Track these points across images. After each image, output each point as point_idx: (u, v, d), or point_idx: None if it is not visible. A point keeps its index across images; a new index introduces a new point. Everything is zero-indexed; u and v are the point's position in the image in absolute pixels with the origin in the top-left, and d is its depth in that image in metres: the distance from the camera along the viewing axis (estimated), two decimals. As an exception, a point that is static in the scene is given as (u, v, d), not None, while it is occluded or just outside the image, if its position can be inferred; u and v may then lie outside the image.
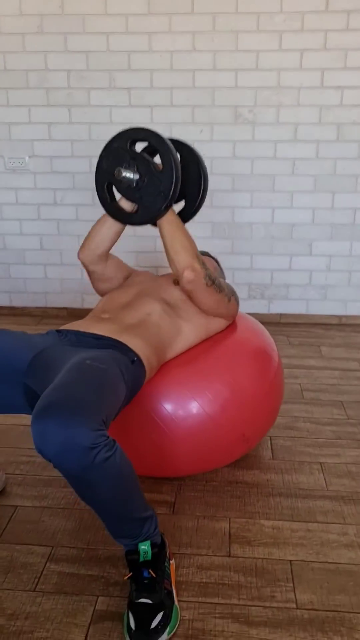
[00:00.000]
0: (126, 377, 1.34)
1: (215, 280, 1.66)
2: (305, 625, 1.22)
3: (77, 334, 1.50)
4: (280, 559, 1.42)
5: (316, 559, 1.42)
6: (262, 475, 1.77)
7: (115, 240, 1.77)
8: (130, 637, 1.16)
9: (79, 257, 1.79)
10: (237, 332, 1.83)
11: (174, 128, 2.98)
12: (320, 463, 1.84)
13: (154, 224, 1.68)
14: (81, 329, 1.52)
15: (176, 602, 1.25)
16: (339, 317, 3.23)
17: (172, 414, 1.55)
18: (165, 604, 1.21)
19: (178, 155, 1.61)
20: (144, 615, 1.18)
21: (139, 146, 1.65)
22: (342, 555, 1.43)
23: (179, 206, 1.77)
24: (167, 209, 1.60)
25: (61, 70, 2.95)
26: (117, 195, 1.68)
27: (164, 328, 1.61)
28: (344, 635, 1.20)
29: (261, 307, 3.24)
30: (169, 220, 1.62)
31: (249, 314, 2.73)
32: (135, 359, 1.43)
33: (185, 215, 1.81)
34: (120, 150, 1.61)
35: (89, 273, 1.83)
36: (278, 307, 3.25)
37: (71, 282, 3.31)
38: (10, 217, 3.22)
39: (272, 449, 1.92)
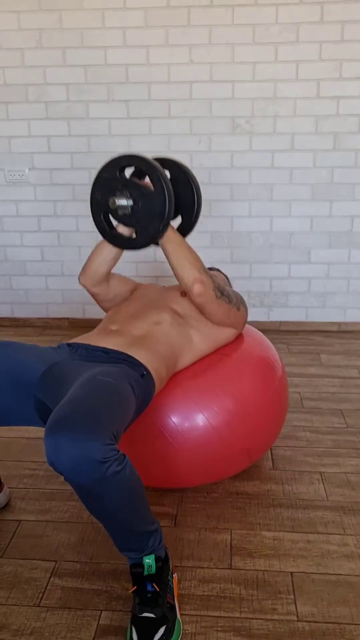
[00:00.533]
0: (136, 391, 1.36)
1: (223, 291, 1.69)
2: (307, 637, 1.24)
3: (88, 348, 1.53)
4: (281, 571, 1.43)
5: (317, 571, 1.43)
6: (262, 486, 1.78)
7: (115, 263, 1.79)
8: (133, 651, 1.18)
9: (80, 282, 1.82)
10: (243, 346, 1.84)
11: (172, 139, 3.01)
12: (320, 473, 1.86)
13: (157, 244, 1.70)
14: (91, 343, 1.55)
15: (179, 616, 1.27)
16: (339, 324, 3.25)
17: (178, 426, 1.57)
18: (168, 617, 1.23)
19: (167, 173, 1.64)
20: (146, 629, 1.20)
21: (128, 172, 1.67)
22: (342, 567, 1.44)
23: (176, 222, 1.79)
24: (165, 229, 1.62)
25: (60, 84, 2.98)
26: (114, 222, 1.70)
27: (174, 338, 1.63)
28: (344, 647, 1.22)
29: (261, 315, 3.26)
30: (170, 238, 1.64)
31: (249, 322, 2.74)
32: (144, 372, 1.45)
33: (184, 229, 1.83)
34: (110, 180, 1.63)
35: (92, 295, 1.86)
36: (278, 315, 3.27)
37: (72, 293, 3.34)
38: (11, 229, 3.25)
39: (272, 459, 1.94)
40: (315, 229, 3.10)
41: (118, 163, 1.63)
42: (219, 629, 1.27)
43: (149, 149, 3.01)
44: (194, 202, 1.77)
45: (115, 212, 1.64)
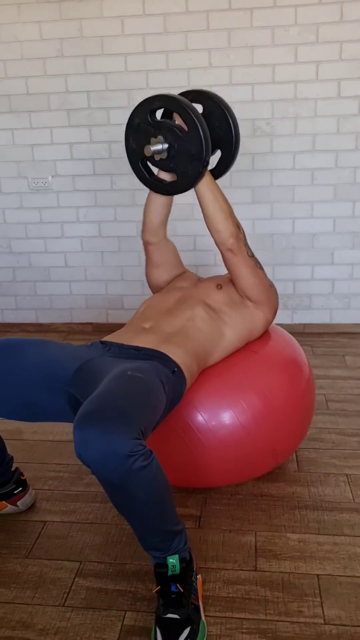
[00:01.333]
0: (167, 387, 1.37)
1: (254, 255, 1.71)
2: (333, 640, 1.22)
3: (120, 346, 1.55)
4: (307, 573, 1.41)
5: (344, 573, 1.41)
6: (287, 488, 1.77)
7: (168, 211, 1.81)
8: (157, 652, 1.17)
9: (142, 238, 1.85)
10: (272, 344, 1.83)
11: (193, 143, 3.01)
12: (347, 475, 1.83)
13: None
14: (124, 342, 1.57)
15: (203, 618, 1.26)
16: (364, 325, 3.20)
17: (207, 422, 1.57)
18: (192, 619, 1.22)
19: (200, 108, 1.59)
20: (171, 630, 1.19)
21: (159, 114, 1.64)
22: (370, 569, 1.42)
23: (215, 157, 1.74)
24: (205, 168, 1.59)
25: (81, 92, 3.02)
26: (155, 169, 1.69)
27: (207, 333, 1.63)
28: (372, 651, 1.19)
29: (284, 318, 3.24)
30: (208, 184, 1.62)
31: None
32: (175, 369, 1.46)
33: (224, 164, 1.78)
34: (142, 125, 1.60)
35: (148, 252, 1.87)
36: (301, 317, 3.24)
37: (96, 298, 3.36)
38: (35, 236, 3.29)
39: (297, 460, 1.91)
40: (338, 230, 3.07)
41: (148, 106, 1.59)
42: (244, 631, 1.25)
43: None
44: (231, 134, 1.71)
45: (152, 158, 1.61)
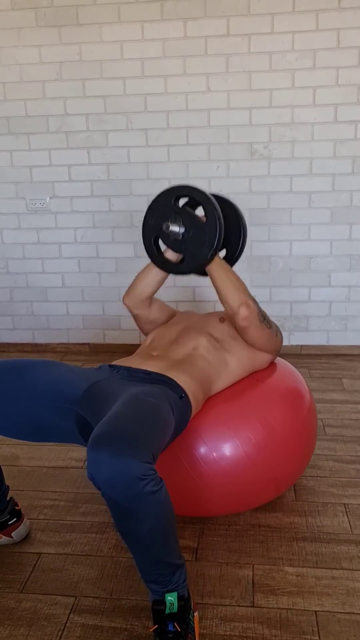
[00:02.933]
0: (175, 412, 1.40)
1: (265, 316, 1.75)
2: None
3: (129, 369, 1.59)
4: (305, 609, 1.40)
5: (342, 610, 1.39)
6: (285, 518, 1.75)
7: (159, 287, 1.88)
8: None
9: (124, 302, 1.89)
10: (275, 374, 1.86)
11: (191, 165, 3.03)
12: (345, 504, 1.81)
13: (201, 273, 1.78)
14: (133, 366, 1.60)
15: (200, 657, 1.24)
16: (361, 347, 3.20)
17: (211, 451, 1.57)
18: (188, 659, 1.20)
19: (219, 208, 1.69)
20: (167, 670, 1.17)
21: (182, 201, 1.75)
22: (368, 605, 1.40)
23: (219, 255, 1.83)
24: (212, 258, 1.69)
25: (80, 115, 3.04)
26: (162, 247, 1.78)
27: (211, 361, 1.68)
28: None
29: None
30: (217, 265, 1.72)
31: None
32: (183, 395, 1.49)
33: (227, 260, 1.88)
34: (165, 206, 1.72)
35: (134, 316, 1.92)
36: (298, 339, 3.25)
37: (93, 319, 3.36)
38: (33, 256, 3.30)
39: (295, 489, 1.90)
40: (335, 253, 3.08)
41: (176, 192, 1.71)
42: (241, 671, 1.23)
43: (168, 176, 3.05)
44: (239, 240, 1.85)
45: (166, 236, 1.73)
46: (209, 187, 3.02)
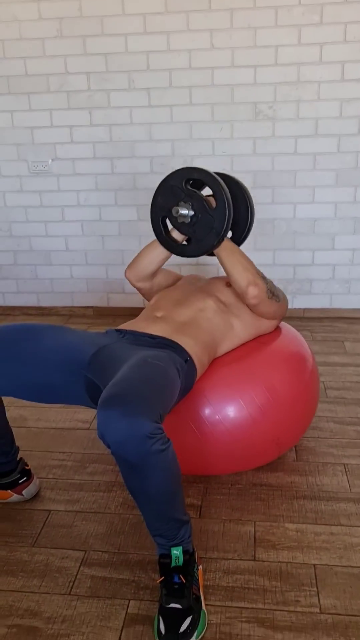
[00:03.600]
0: (181, 375, 1.44)
1: (274, 291, 1.77)
2: (329, 630, 1.27)
3: (135, 334, 1.61)
4: (304, 563, 1.46)
5: (339, 563, 1.46)
6: (286, 478, 1.81)
7: (162, 264, 1.88)
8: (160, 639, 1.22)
9: (125, 276, 1.90)
10: (280, 337, 1.89)
11: (194, 126, 2.99)
12: (344, 464, 1.87)
13: (209, 254, 1.79)
14: (138, 330, 1.63)
15: (204, 607, 1.31)
16: (363, 310, 3.22)
17: (215, 411, 1.62)
18: (193, 608, 1.27)
19: (229, 195, 1.69)
20: (173, 619, 1.24)
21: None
22: (365, 559, 1.46)
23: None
24: (218, 244, 1.71)
25: (81, 73, 2.98)
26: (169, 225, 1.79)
27: (216, 324, 1.71)
28: (366, 640, 1.24)
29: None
30: (225, 247, 1.73)
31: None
32: (188, 358, 1.52)
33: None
34: (176, 187, 1.71)
35: (137, 289, 1.94)
36: (301, 302, 3.26)
37: (96, 282, 3.37)
38: (36, 220, 3.29)
39: (296, 450, 1.95)
40: (340, 215, 3.07)
41: (187, 174, 1.71)
42: (243, 619, 1.30)
43: (171, 137, 3.00)
44: (247, 220, 1.86)
45: (175, 219, 1.73)
46: (212, 149, 2.99)
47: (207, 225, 1.68)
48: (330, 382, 2.46)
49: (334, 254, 3.15)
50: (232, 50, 2.85)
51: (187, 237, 1.78)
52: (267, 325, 1.86)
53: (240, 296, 1.75)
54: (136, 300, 3.33)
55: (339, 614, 1.31)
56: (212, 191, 1.68)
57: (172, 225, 1.77)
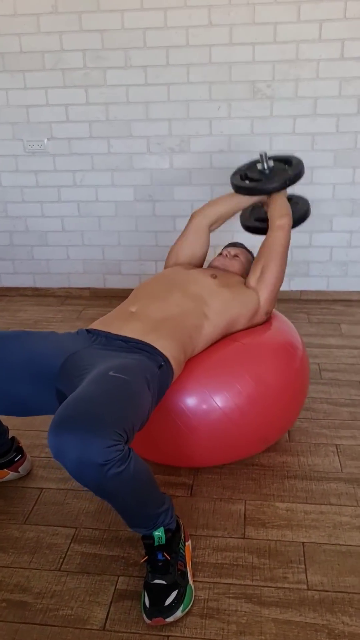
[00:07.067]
0: (151, 385, 1.36)
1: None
2: (315, 605, 1.28)
3: (108, 336, 1.54)
4: (293, 541, 1.47)
5: (328, 541, 1.47)
6: (278, 458, 1.81)
7: (230, 214, 2.10)
8: (145, 614, 1.24)
9: (192, 214, 2.06)
10: (265, 333, 1.82)
11: (191, 105, 2.95)
12: (336, 445, 1.87)
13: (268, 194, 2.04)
14: (112, 331, 1.55)
15: (191, 582, 1.32)
16: (361, 293, 3.21)
17: (190, 411, 1.57)
18: (179, 583, 1.28)
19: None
20: (158, 594, 1.25)
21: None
22: (353, 538, 1.47)
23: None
24: (285, 185, 1.99)
25: (77, 51, 2.93)
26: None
27: (190, 320, 1.62)
28: (352, 616, 1.26)
29: (282, 285, 3.23)
30: (284, 193, 2.04)
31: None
32: (162, 363, 1.45)
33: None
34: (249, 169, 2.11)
35: (189, 225, 2.04)
36: (299, 284, 3.25)
37: (93, 263, 3.36)
38: (32, 200, 3.26)
39: (288, 430, 1.96)
40: (338, 197, 3.04)
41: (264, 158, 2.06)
42: (230, 595, 1.32)
43: (168, 116, 2.97)
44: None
45: (254, 169, 2.06)
46: (210, 128, 2.95)
47: (280, 171, 2.02)
48: (325, 364, 2.46)
49: (332, 236, 3.12)
50: (230, 27, 2.80)
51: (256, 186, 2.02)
52: (250, 307, 1.77)
53: (271, 221, 1.93)
54: (133, 282, 3.32)
55: (326, 591, 1.32)
56: (288, 162, 2.07)
57: (248, 174, 2.05)
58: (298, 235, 3.14)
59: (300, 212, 2.08)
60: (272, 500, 1.63)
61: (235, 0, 2.75)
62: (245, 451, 1.75)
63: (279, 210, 1.95)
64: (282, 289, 3.17)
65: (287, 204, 1.99)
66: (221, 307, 1.70)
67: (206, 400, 1.58)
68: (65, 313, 3.17)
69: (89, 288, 3.42)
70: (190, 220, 2.04)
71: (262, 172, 2.04)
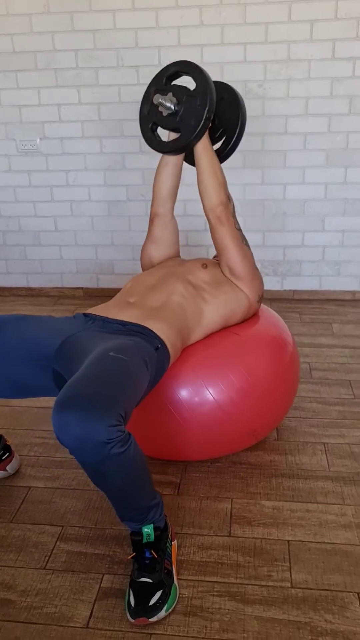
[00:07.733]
0: (149, 365, 1.38)
1: (241, 229, 1.78)
2: (299, 603, 1.29)
3: (105, 320, 1.55)
4: (278, 539, 1.48)
5: (313, 539, 1.47)
6: (265, 456, 1.82)
7: (176, 182, 1.87)
8: (130, 613, 1.24)
9: (151, 211, 1.90)
10: (256, 326, 1.83)
11: (183, 105, 2.95)
12: (324, 444, 1.88)
13: (192, 161, 1.81)
14: (109, 316, 1.57)
15: (175, 581, 1.33)
16: (353, 292, 3.21)
17: (185, 401, 1.59)
18: (164, 582, 1.28)
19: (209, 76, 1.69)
20: (143, 593, 1.26)
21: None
22: (338, 536, 1.48)
23: (216, 146, 1.85)
24: (207, 122, 1.67)
25: (69, 51, 2.93)
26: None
27: (188, 310, 1.64)
28: (335, 614, 1.26)
29: (274, 284, 3.25)
30: (206, 148, 1.72)
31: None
32: (159, 345, 1.47)
33: (223, 153, 1.87)
34: (157, 90, 1.72)
35: (152, 225, 1.91)
36: (291, 284, 3.25)
37: (86, 263, 3.36)
38: (25, 200, 3.26)
39: (277, 429, 1.96)
40: (330, 196, 3.04)
41: (164, 73, 1.74)
42: (214, 593, 1.32)
43: (160, 116, 2.97)
44: (236, 123, 1.82)
45: (161, 116, 1.71)
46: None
47: (193, 106, 1.66)
48: (315, 363, 2.46)
49: (324, 236, 3.13)
50: (222, 27, 2.81)
51: (178, 133, 1.73)
52: (242, 303, 1.77)
53: (207, 212, 1.73)
54: (126, 282, 3.31)
55: (310, 589, 1.32)
56: (191, 76, 1.68)
57: (162, 126, 1.75)
58: (291, 234, 3.15)
59: (230, 122, 1.79)
60: (258, 498, 1.63)
61: (226, 0, 2.75)
62: (235, 444, 1.75)
63: (208, 190, 1.71)
64: (274, 288, 3.23)
65: (214, 166, 1.73)
66: (219, 299, 1.73)
67: (200, 390, 1.59)
68: (58, 313, 3.18)
69: (82, 288, 3.42)
70: (152, 223, 1.92)
71: (169, 115, 1.70)
